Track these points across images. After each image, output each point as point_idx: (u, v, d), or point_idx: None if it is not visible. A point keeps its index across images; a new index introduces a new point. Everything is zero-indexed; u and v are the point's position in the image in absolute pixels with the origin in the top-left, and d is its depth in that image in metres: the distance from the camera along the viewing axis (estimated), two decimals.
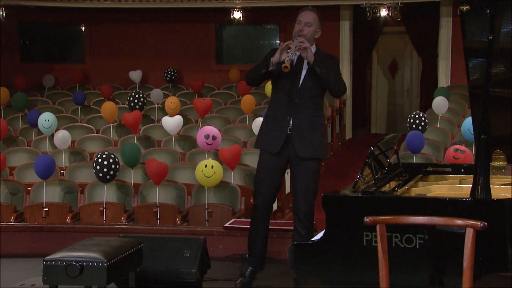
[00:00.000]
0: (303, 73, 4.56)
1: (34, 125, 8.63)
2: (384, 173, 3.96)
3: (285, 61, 4.40)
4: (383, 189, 3.73)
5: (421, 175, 4.28)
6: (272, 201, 4.72)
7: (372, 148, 3.68)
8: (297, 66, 4.53)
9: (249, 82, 4.74)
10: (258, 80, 4.64)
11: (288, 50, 4.44)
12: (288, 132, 4.55)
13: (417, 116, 7.49)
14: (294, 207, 4.66)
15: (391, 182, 3.97)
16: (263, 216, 4.66)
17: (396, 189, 3.84)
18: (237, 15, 11.35)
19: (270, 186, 4.66)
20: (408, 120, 7.52)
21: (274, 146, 4.58)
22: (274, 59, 4.46)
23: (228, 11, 11.30)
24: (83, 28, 12.49)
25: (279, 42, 11.87)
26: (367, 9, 9.96)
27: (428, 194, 3.76)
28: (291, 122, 4.55)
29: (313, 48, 4.61)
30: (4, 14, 10.44)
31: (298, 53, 4.51)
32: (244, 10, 11.32)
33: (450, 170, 4.41)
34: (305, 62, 4.54)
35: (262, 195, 4.65)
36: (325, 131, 4.80)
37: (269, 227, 4.75)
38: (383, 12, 10.34)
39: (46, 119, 8.13)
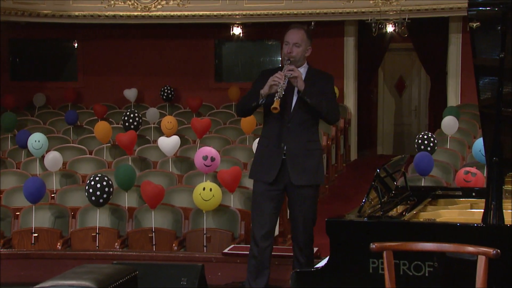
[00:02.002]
0: (294, 98, 4.56)
1: (24, 146, 8.64)
2: (391, 197, 3.96)
3: (274, 99, 4.38)
4: (390, 213, 3.72)
5: (430, 199, 4.28)
6: (271, 232, 4.68)
7: (378, 170, 3.68)
8: (288, 91, 4.50)
9: (240, 114, 4.79)
10: (249, 112, 4.69)
11: (278, 83, 4.41)
12: (283, 157, 4.54)
13: (425, 136, 7.50)
14: (293, 234, 4.66)
15: (398, 206, 3.97)
16: (262, 248, 4.64)
17: (403, 213, 3.83)
18: (237, 31, 11.42)
19: (268, 216, 4.63)
20: (416, 140, 7.52)
21: (268, 176, 4.58)
22: (264, 91, 4.46)
23: (227, 26, 11.38)
24: (76, 45, 12.56)
25: (280, 59, 11.92)
26: (373, 24, 10.02)
27: (438, 219, 3.75)
28: (285, 149, 4.54)
29: (305, 67, 4.62)
30: None
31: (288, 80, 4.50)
32: (244, 25, 11.40)
33: (461, 193, 4.40)
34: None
35: (259, 226, 4.62)
36: (322, 157, 4.78)
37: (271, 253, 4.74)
38: (390, 28, 10.40)
39: (36, 139, 8.14)
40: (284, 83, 4.42)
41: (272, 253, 4.77)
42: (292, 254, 4.77)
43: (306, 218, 4.59)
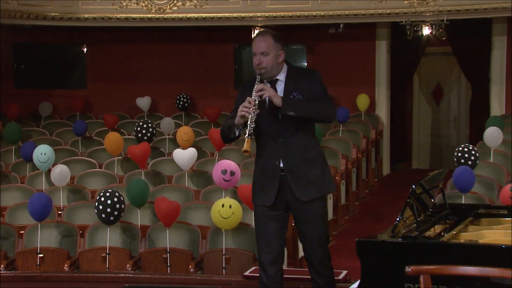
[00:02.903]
0: (278, 111, 4.48)
1: (29, 159, 8.73)
2: (428, 215, 3.94)
3: (245, 136, 4.33)
4: (427, 233, 3.71)
5: (471, 218, 4.25)
6: (279, 256, 4.64)
7: (414, 186, 3.67)
8: (271, 103, 4.45)
9: (223, 141, 4.78)
10: (230, 141, 4.69)
11: (247, 113, 4.36)
12: (281, 174, 4.50)
13: (466, 149, 7.46)
14: (306, 255, 4.61)
15: (436, 226, 3.95)
16: (271, 275, 4.61)
17: (442, 233, 3.81)
18: None
19: (273, 239, 4.59)
20: (456, 154, 7.48)
21: (267, 198, 4.54)
22: (237, 122, 4.43)
23: (248, 29, 11.40)
24: (85, 50, 12.69)
25: (306, 64, 11.95)
26: (408, 27, 10.00)
27: (480, 241, 3.73)
28: (281, 166, 4.50)
29: (283, 71, 4.55)
30: None
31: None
32: (266, 28, 11.43)
33: (506, 212, 4.37)
34: (280, 94, 4.48)
35: (266, 251, 4.59)
36: (326, 162, 4.65)
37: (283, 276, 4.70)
38: (426, 30, 10.36)
39: (42, 152, 8.21)
40: (254, 113, 4.35)
41: (284, 276, 4.73)
42: (308, 276, 4.73)
43: (318, 235, 4.54)
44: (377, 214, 9.16)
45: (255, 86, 4.43)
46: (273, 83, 4.54)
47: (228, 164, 7.07)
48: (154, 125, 9.43)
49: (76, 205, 7.39)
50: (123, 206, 6.39)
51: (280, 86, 4.54)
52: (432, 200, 4.09)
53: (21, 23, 10.90)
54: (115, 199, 6.30)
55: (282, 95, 4.48)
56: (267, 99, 4.43)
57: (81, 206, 7.32)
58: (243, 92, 4.58)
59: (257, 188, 4.64)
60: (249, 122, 4.36)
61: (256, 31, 4.71)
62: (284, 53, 4.57)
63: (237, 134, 4.50)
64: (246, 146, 4.34)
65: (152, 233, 6.62)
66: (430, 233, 3.79)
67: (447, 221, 4.13)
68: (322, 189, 4.55)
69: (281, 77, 4.57)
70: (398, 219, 3.58)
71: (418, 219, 3.64)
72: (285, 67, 4.59)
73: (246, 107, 4.37)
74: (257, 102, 4.38)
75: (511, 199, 6.09)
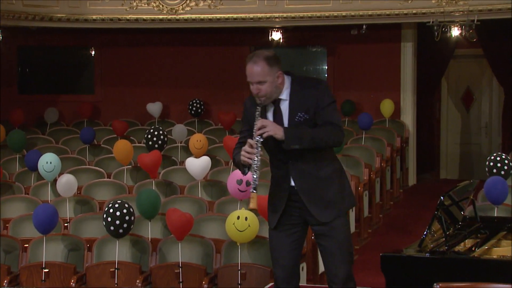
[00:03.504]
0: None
1: (34, 168, 8.77)
2: (457, 229, 3.92)
3: (250, 191, 4.32)
4: (457, 248, 3.69)
5: (504, 232, 4.23)
6: (294, 273, 4.64)
7: (442, 197, 3.66)
8: (277, 121, 4.44)
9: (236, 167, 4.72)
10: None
11: (250, 160, 4.32)
12: (294, 194, 4.47)
13: (498, 158, 7.41)
14: (328, 275, 4.58)
15: (466, 240, 3.93)
16: None
17: (473, 248, 3.79)
18: (276, 36, 11.47)
19: (288, 254, 4.58)
20: (487, 163, 7.44)
21: (272, 220, 4.56)
22: (243, 161, 4.37)
23: (265, 31, 11.43)
24: (93, 53, 12.76)
25: (326, 67, 11.94)
26: (435, 27, 9.96)
27: None
28: (292, 184, 4.48)
29: (286, 88, 4.49)
30: (1, 37, 10.74)
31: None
32: (284, 30, 11.45)
33: None
34: (285, 114, 4.46)
35: (280, 267, 4.59)
36: (344, 176, 4.62)
37: None
38: (455, 31, 10.32)
39: (47, 161, 8.26)
40: (258, 158, 4.32)
41: None
42: None
43: (341, 252, 4.50)
44: (403, 227, 9.12)
45: (256, 121, 4.37)
46: (276, 103, 4.48)
47: None
48: (165, 132, 9.44)
49: (83, 217, 7.42)
50: (132, 218, 6.40)
51: (284, 105, 4.49)
52: (462, 213, 4.07)
53: (26, 25, 10.97)
54: (125, 211, 6.32)
55: (287, 114, 4.44)
56: (260, 158, 4.37)
57: (89, 218, 7.34)
58: (248, 110, 4.56)
59: (268, 207, 4.66)
60: (253, 173, 4.34)
61: (249, 56, 4.58)
62: (282, 73, 4.47)
63: (246, 173, 4.46)
64: (252, 204, 4.32)
65: (163, 246, 6.63)
66: (460, 248, 3.77)
67: (478, 235, 4.11)
68: (341, 208, 4.53)
69: (284, 95, 4.50)
70: (425, 232, 3.57)
71: (447, 233, 3.63)
72: (287, 82, 4.51)
73: (248, 152, 4.34)
74: (259, 144, 4.34)
75: None
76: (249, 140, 4.36)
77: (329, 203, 4.48)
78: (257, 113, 4.41)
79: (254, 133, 4.34)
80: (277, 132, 4.32)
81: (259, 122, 4.35)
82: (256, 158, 4.31)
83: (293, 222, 4.56)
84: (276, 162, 4.55)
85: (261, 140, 4.34)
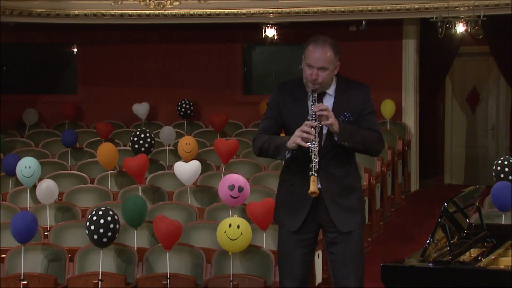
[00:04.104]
0: (324, 130, 4.50)
1: (12, 173, 8.75)
2: (462, 237, 3.93)
3: (310, 174, 4.32)
4: (462, 258, 3.70)
5: None
6: (305, 284, 4.68)
7: (446, 204, 3.67)
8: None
9: (259, 156, 4.71)
10: (269, 157, 4.63)
11: (308, 139, 4.34)
12: (316, 197, 4.49)
13: (506, 162, 7.43)
14: (337, 286, 4.62)
15: (472, 249, 3.94)
16: None
17: (479, 258, 3.80)
18: (270, 32, 11.49)
19: (299, 265, 4.62)
20: (494, 167, 7.46)
21: (294, 222, 4.58)
22: (290, 146, 4.39)
23: (259, 27, 11.45)
24: (75, 50, 12.74)
25: None
26: (439, 23, 9.98)
27: None
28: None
29: (333, 84, 4.58)
30: None
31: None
32: (279, 26, 11.47)
33: None
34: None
35: (290, 278, 4.62)
36: (362, 189, 4.75)
37: None
38: (460, 28, 10.36)
39: (26, 165, 8.24)
40: (316, 141, 4.35)
41: None
42: None
43: (354, 265, 4.55)
44: (405, 236, 9.13)
45: (312, 103, 4.41)
46: (321, 96, 4.54)
47: (236, 178, 7.07)
48: (152, 135, 9.45)
49: (64, 225, 7.40)
50: (117, 226, 6.39)
51: (329, 101, 4.56)
52: (467, 220, 4.08)
53: (3, 20, 10.92)
54: (109, 218, 6.30)
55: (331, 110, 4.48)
56: (317, 140, 4.38)
57: (71, 226, 7.33)
58: (279, 95, 4.59)
59: (284, 208, 4.66)
60: (313, 156, 4.35)
61: (313, 38, 4.60)
62: (339, 65, 4.57)
63: (287, 157, 4.47)
64: (312, 187, 4.32)
65: (150, 256, 6.62)
66: (465, 257, 3.78)
67: (485, 244, 4.11)
68: (361, 219, 4.59)
69: (331, 90, 4.59)
70: (428, 241, 3.58)
71: (451, 241, 3.64)
72: (334, 78, 4.61)
73: (307, 132, 4.34)
74: (318, 129, 4.37)
75: None
76: (307, 122, 4.36)
77: (351, 211, 4.55)
78: (314, 98, 4.42)
79: (311, 114, 4.37)
80: (335, 123, 4.38)
81: (320, 105, 4.38)
82: (315, 142, 4.33)
83: (308, 228, 4.58)
84: (301, 159, 4.50)
85: (320, 125, 4.37)
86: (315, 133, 4.35)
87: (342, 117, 4.49)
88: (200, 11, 10.78)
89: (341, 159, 4.55)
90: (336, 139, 4.42)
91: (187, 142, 9.16)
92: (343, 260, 4.56)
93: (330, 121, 4.37)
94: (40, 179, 8.25)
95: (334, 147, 4.50)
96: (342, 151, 4.52)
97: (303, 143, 4.35)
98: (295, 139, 4.37)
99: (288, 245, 4.64)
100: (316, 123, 4.38)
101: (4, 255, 6.78)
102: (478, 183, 10.88)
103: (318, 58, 4.47)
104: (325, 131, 4.52)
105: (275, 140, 4.53)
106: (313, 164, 4.35)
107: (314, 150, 4.36)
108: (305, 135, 4.35)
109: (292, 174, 4.63)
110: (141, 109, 11.99)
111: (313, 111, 4.40)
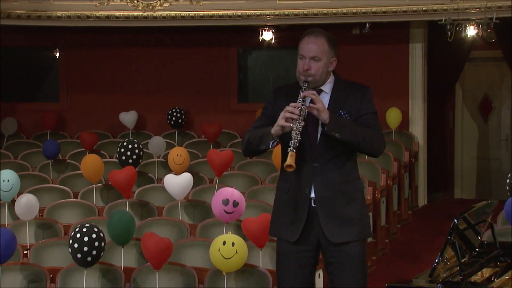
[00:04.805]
0: (319, 130, 4.52)
1: None
2: (473, 256, 3.93)
3: (288, 150, 4.34)
4: (473, 278, 3.70)
5: None
6: None
7: (456, 220, 3.67)
8: (310, 118, 4.48)
9: (247, 154, 4.76)
10: (257, 154, 4.68)
11: (292, 122, 4.37)
12: (312, 205, 4.51)
13: None
14: None
15: (484, 269, 3.94)
16: None
17: (492, 279, 3.80)
18: (267, 35, 11.51)
19: (298, 284, 4.61)
20: (508, 181, 7.47)
21: (291, 234, 4.57)
22: (275, 132, 4.43)
23: (255, 30, 11.47)
24: (57, 55, 12.74)
25: None
26: (448, 26, 10.01)
27: None
28: (312, 195, 4.52)
29: (330, 82, 4.60)
30: None
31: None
32: (277, 29, 11.49)
33: None
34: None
35: None
36: (365, 200, 4.71)
37: None
38: (471, 31, 10.37)
39: (4, 179, 8.22)
40: (299, 123, 4.37)
41: None
42: None
43: (354, 284, 4.54)
44: (412, 254, 9.13)
45: (302, 92, 4.44)
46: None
47: (231, 192, 7.08)
48: (141, 146, 9.45)
49: (45, 243, 7.39)
50: (103, 244, 6.39)
51: (324, 99, 4.57)
52: (479, 238, 4.08)
53: None
54: (94, 236, 6.30)
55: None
56: (302, 123, 4.40)
57: (52, 245, 7.32)
58: (275, 99, 4.62)
59: (280, 219, 4.65)
60: (293, 133, 4.35)
61: (309, 30, 4.65)
62: (336, 61, 4.60)
63: (270, 146, 4.51)
64: (290, 160, 4.31)
65: (138, 276, 6.61)
66: (477, 278, 3.78)
67: (498, 263, 4.12)
68: (358, 231, 4.55)
69: (327, 88, 4.61)
70: (437, 260, 3.58)
71: (462, 260, 3.64)
72: (332, 78, 4.62)
73: (291, 112, 4.38)
74: (304, 113, 4.39)
75: None
76: (292, 104, 4.40)
77: (346, 222, 4.51)
78: (304, 88, 4.45)
79: (299, 99, 4.40)
80: (324, 110, 4.39)
81: (308, 91, 4.42)
82: (298, 123, 4.34)
83: (307, 239, 4.56)
84: (300, 162, 4.49)
85: (305, 109, 4.38)
86: (300, 114, 4.37)
87: (336, 114, 4.50)
88: (192, 13, 10.78)
89: (339, 163, 4.53)
90: (325, 129, 4.42)
91: (178, 154, 9.16)
92: (343, 282, 4.55)
93: (318, 106, 4.39)
94: (19, 193, 8.24)
95: (331, 148, 4.50)
96: (340, 153, 4.52)
97: (286, 124, 4.37)
98: (278, 121, 4.41)
99: (286, 261, 4.62)
100: (301, 104, 4.40)
101: None
102: (491, 197, 10.88)
103: (311, 48, 4.53)
104: (319, 132, 4.52)
105: (260, 131, 4.58)
106: (294, 141, 4.35)
107: (296, 130, 4.36)
108: (288, 114, 4.38)
109: (286, 181, 4.64)
110: (128, 118, 11.99)
111: (300, 97, 4.43)
